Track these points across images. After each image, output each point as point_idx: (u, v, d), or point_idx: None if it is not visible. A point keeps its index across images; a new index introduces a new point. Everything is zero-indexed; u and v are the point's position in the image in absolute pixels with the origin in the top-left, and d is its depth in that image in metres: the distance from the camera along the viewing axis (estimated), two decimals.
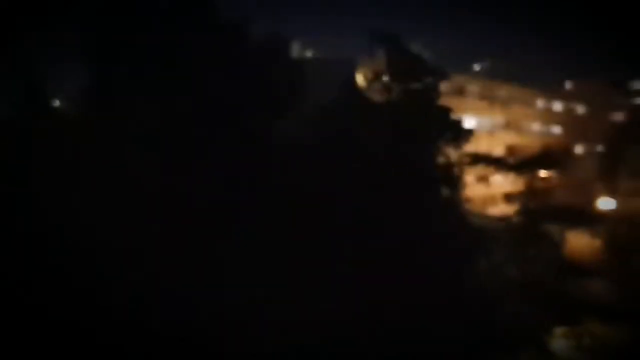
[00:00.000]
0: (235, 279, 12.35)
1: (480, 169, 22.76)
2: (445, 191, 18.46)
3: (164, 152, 13.40)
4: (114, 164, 13.06)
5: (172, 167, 13.24)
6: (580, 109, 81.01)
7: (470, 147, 20.04)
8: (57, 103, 16.36)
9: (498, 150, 50.78)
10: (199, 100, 14.32)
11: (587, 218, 22.75)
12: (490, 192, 54.70)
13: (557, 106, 75.38)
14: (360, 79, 27.66)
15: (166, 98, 13.98)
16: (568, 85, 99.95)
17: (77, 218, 12.45)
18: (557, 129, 72.88)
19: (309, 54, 51.06)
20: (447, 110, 18.79)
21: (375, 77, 18.77)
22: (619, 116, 78.68)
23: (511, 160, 23.13)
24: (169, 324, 11.98)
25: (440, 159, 18.70)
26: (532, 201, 21.41)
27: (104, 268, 12.07)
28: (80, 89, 15.31)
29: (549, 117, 71.46)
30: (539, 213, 21.35)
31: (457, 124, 19.15)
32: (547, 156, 23.29)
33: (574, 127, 72.33)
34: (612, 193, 42.69)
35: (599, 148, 59.08)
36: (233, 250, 12.79)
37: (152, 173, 12.97)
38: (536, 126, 68.68)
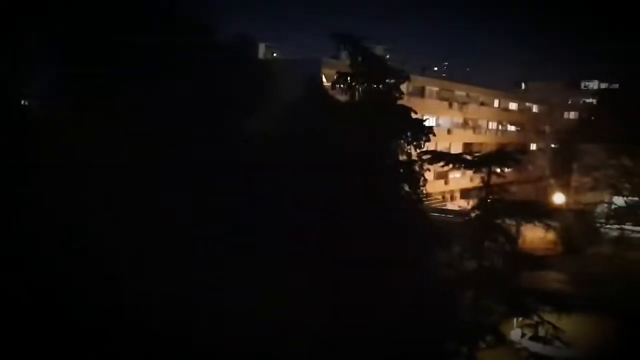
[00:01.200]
0: (207, 277, 12.37)
1: (439, 166, 23.22)
2: (406, 187, 18.85)
3: (132, 152, 13.31)
4: (85, 165, 12.95)
5: (140, 168, 13.16)
6: (536, 109, 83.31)
7: (430, 145, 20.47)
8: (27, 103, 16.15)
9: (457, 148, 51.93)
10: (165, 100, 14.27)
11: (542, 212, 23.45)
12: (449, 188, 55.97)
13: (514, 105, 77.33)
14: (324, 79, 28.07)
15: (132, 99, 13.91)
16: (524, 85, 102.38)
17: (54, 220, 12.33)
18: (513, 128, 74.83)
19: (275, 54, 51.20)
20: (408, 110, 19.15)
21: (339, 78, 19.00)
22: (572, 115, 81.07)
23: (469, 157, 23.62)
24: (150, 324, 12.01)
25: (402, 157, 19.09)
26: (489, 197, 21.95)
27: (79, 270, 11.97)
28: (51, 90, 15.11)
29: (505, 116, 73.24)
30: (495, 208, 21.90)
31: (418, 123, 19.53)
32: (504, 153, 23.93)
33: (530, 125, 74.30)
34: (565, 188, 44.15)
35: (554, 145, 60.83)
36: (203, 250, 12.86)
37: (122, 173, 12.90)
38: (493, 125, 70.43)
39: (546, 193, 48.08)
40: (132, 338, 11.91)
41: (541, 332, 25.27)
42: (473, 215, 22.11)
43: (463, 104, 60.55)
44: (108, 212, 12.31)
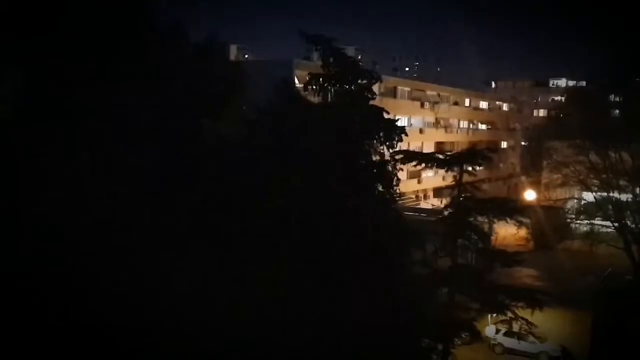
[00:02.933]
0: (167, 279, 12.19)
1: (412, 166, 23.38)
2: (379, 187, 18.93)
3: (98, 154, 13.15)
4: (51, 167, 12.76)
5: (106, 170, 12.99)
6: (506, 107, 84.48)
7: (403, 144, 20.58)
8: None
9: (429, 147, 52.37)
10: (136, 103, 14.14)
11: (514, 209, 23.73)
12: (422, 187, 56.37)
13: (484, 104, 78.31)
14: (297, 80, 28.06)
15: (101, 101, 13.75)
16: (494, 84, 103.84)
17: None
18: (484, 126, 75.79)
19: (246, 55, 51.08)
20: (380, 111, 19.24)
21: (311, 79, 18.97)
22: (541, 112, 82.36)
23: (441, 156, 23.83)
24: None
25: (375, 157, 19.16)
26: (461, 195, 22.18)
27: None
28: (13, 94, 14.81)
29: (476, 115, 74.11)
30: (468, 206, 22.14)
31: (390, 123, 19.61)
32: (475, 152, 24.20)
33: (500, 123, 75.29)
34: (536, 185, 44.79)
35: (524, 143, 61.78)
36: (166, 251, 12.70)
37: (86, 175, 12.70)
38: (465, 123, 71.21)
39: (517, 190, 48.77)
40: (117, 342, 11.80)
41: (515, 327, 25.68)
42: (446, 213, 22.32)
43: (435, 103, 61.10)
44: (75, 217, 12.14)
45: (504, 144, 72.54)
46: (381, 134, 18.82)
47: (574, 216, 39.93)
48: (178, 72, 15.66)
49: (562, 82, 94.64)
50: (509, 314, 22.22)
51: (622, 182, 36.54)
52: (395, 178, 19.22)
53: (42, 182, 12.34)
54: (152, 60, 15.01)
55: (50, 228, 11.80)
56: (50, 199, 12.08)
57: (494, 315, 26.21)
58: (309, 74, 19.34)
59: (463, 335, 21.97)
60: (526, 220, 26.93)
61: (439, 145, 58.43)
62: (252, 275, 13.34)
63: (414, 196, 54.06)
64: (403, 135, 19.42)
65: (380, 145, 18.94)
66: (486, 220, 23.71)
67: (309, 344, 13.65)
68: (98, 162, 12.90)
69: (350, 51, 31.43)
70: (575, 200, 40.86)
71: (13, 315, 11.13)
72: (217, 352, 12.51)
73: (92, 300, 11.55)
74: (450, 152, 28.11)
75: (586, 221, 38.41)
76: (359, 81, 19.04)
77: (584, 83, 57.02)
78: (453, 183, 22.29)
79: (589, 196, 39.23)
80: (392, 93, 54.37)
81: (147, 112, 14.22)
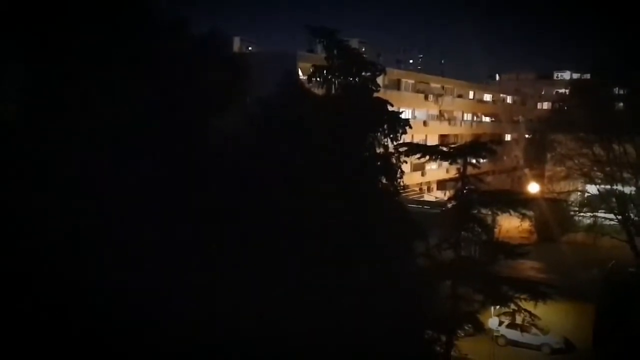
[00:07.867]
0: (172, 279, 12.21)
1: (416, 158, 23.39)
2: (383, 180, 18.96)
3: (100, 150, 13.13)
4: (50, 165, 12.74)
5: (108, 166, 12.98)
6: (510, 100, 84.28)
7: (407, 137, 20.58)
8: None
9: (432, 140, 52.31)
10: (137, 98, 14.12)
11: (517, 202, 23.75)
12: (426, 180, 56.39)
13: (488, 97, 78.13)
14: (301, 72, 28.03)
15: (103, 97, 13.74)
16: (498, 77, 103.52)
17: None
18: (488, 119, 75.64)
19: (250, 48, 50.98)
20: (384, 103, 19.23)
21: (315, 71, 18.95)
22: (545, 105, 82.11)
23: (445, 149, 23.85)
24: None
25: (379, 149, 19.18)
26: (465, 187, 22.20)
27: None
28: (13, 94, 14.76)
29: (480, 107, 73.95)
30: (472, 198, 22.16)
31: (394, 115, 19.61)
32: (479, 144, 24.20)
33: (504, 116, 75.11)
34: (539, 178, 44.74)
35: (527, 135, 61.60)
36: (166, 248, 12.66)
37: (87, 175, 12.70)
38: (468, 116, 71.09)
39: (521, 182, 48.73)
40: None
41: (518, 320, 25.74)
42: (450, 206, 22.34)
43: (438, 96, 60.98)
44: (75, 217, 12.14)
45: (507, 137, 72.40)
46: (385, 127, 18.81)
47: (577, 209, 39.92)
48: (181, 67, 15.64)
49: (566, 75, 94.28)
50: (512, 306, 22.29)
51: (625, 175, 36.54)
52: (399, 170, 19.24)
53: (43, 182, 12.35)
54: (154, 55, 14.98)
55: (50, 228, 11.82)
56: (51, 199, 12.09)
57: (497, 307, 26.26)
58: (312, 66, 19.30)
59: (466, 327, 22.06)
60: (530, 213, 26.96)
61: (443, 137, 58.36)
62: (256, 273, 13.36)
63: (417, 189, 54.09)
64: (407, 128, 19.43)
65: (384, 137, 18.94)
66: (490, 213, 23.71)
67: (311, 340, 13.68)
68: (100, 160, 12.87)
69: (353, 43, 31.29)
70: (579, 193, 40.82)
71: (13, 316, 11.18)
72: (221, 351, 12.55)
73: (92, 300, 11.58)
74: (454, 144, 28.09)
75: (590, 214, 38.40)
76: (363, 73, 19.02)
77: (588, 75, 56.74)
78: (457, 175, 22.32)
79: (592, 189, 39.20)
80: (396, 85, 54.29)
81: (149, 109, 14.20)
